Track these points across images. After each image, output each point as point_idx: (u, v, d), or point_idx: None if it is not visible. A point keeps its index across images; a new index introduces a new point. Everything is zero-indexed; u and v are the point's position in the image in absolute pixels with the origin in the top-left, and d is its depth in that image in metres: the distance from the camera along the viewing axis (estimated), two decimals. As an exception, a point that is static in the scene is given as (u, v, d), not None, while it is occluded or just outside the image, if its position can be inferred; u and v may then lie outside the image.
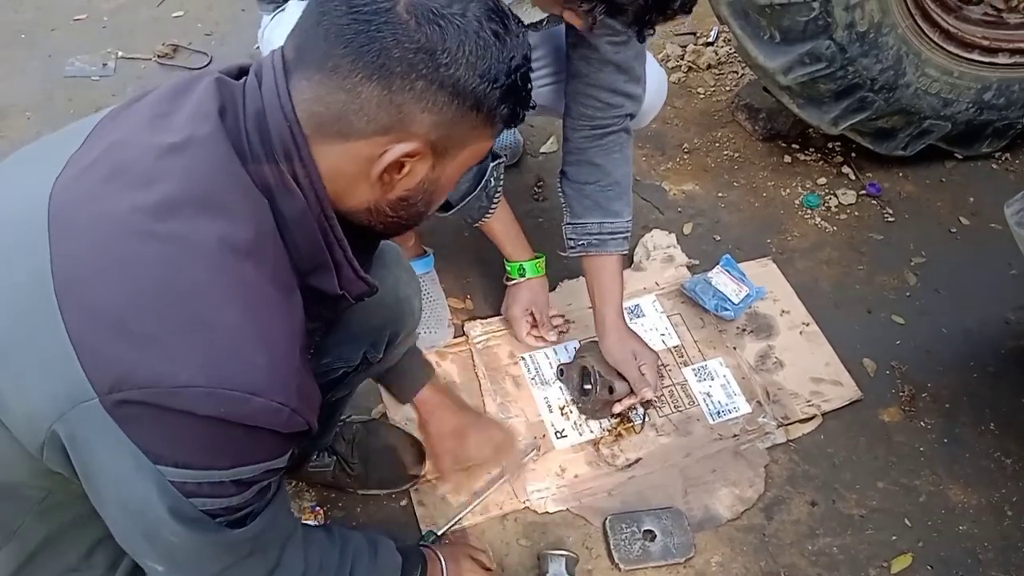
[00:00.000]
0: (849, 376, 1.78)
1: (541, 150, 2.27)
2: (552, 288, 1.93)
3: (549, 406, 1.72)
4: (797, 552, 1.54)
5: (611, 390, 1.62)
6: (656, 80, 1.67)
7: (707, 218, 2.12)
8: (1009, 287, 1.99)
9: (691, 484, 1.61)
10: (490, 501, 1.57)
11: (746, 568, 1.51)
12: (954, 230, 2.12)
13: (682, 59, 2.58)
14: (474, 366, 1.77)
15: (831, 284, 1.98)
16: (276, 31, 1.54)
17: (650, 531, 1.52)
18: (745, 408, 1.72)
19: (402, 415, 1.68)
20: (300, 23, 0.83)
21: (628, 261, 1.99)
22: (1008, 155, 2.31)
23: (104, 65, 2.53)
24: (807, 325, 1.87)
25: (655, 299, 1.91)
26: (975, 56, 2.03)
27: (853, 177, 2.24)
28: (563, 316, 1.87)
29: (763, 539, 1.55)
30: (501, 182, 1.67)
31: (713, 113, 2.43)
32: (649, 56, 1.61)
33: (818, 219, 2.13)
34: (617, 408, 1.65)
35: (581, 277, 1.93)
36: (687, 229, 2.09)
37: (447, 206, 1.61)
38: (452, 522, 1.53)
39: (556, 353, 1.80)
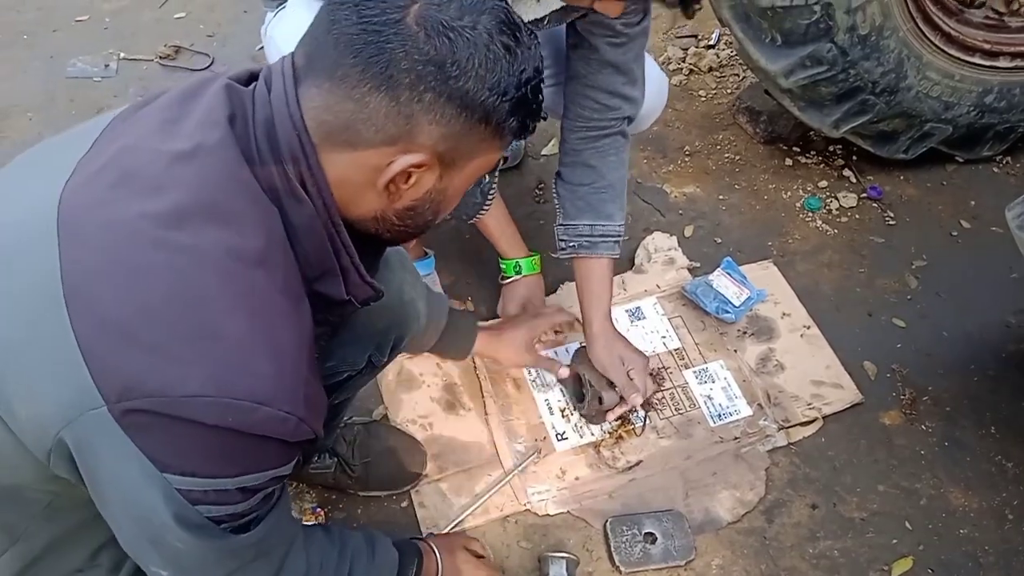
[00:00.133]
0: (850, 379, 1.78)
1: (543, 152, 2.27)
2: (553, 290, 1.93)
3: (550, 408, 1.72)
4: (798, 555, 1.54)
5: (600, 400, 1.62)
6: (656, 83, 1.67)
7: (708, 221, 2.13)
8: (1010, 291, 1.99)
9: (692, 487, 1.61)
10: (491, 503, 1.57)
11: (746, 571, 1.51)
12: (955, 233, 2.12)
13: (683, 62, 2.59)
14: (475, 368, 1.77)
15: (832, 287, 1.98)
16: (278, 28, 1.54)
17: (651, 533, 1.52)
18: (746, 411, 1.72)
19: (403, 417, 1.69)
20: (311, 30, 0.83)
21: (629, 263, 1.99)
22: (1009, 159, 2.31)
23: (106, 66, 2.54)
24: (808, 328, 1.87)
25: (656, 301, 1.91)
26: (976, 59, 2.03)
27: (854, 180, 2.24)
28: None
29: (764, 542, 1.55)
30: (496, 179, 1.67)
31: (714, 116, 2.43)
32: (650, 59, 1.62)
33: (819, 222, 2.13)
34: (610, 416, 1.65)
35: (582, 279, 1.94)
36: (688, 231, 2.09)
37: None
38: (452, 523, 1.53)
39: (557, 355, 1.80)
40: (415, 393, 1.73)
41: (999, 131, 2.18)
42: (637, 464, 1.64)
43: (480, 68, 0.79)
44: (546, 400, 1.73)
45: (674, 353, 1.82)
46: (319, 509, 1.56)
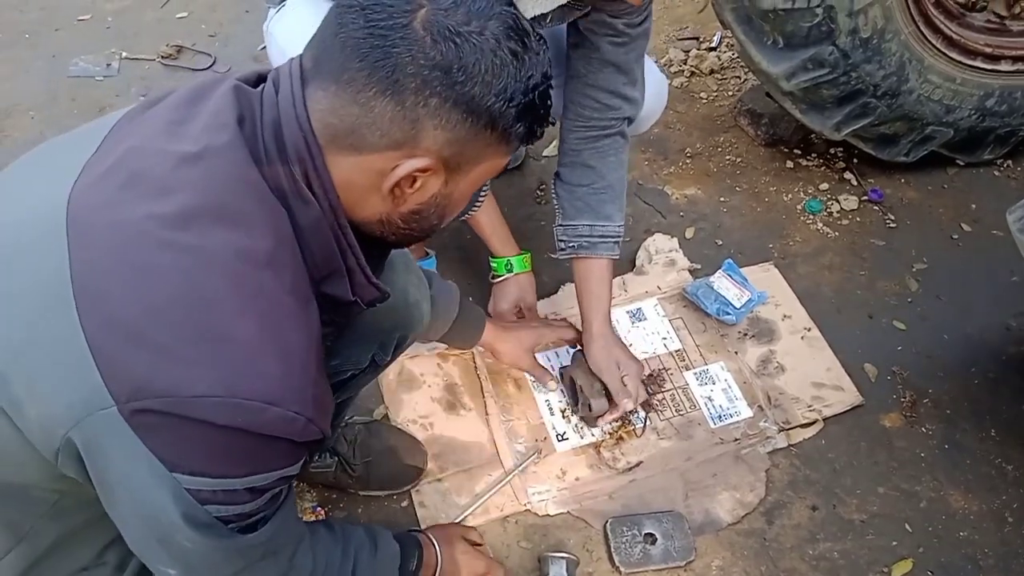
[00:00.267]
0: (850, 381, 1.78)
1: (544, 154, 2.27)
2: (554, 291, 1.93)
3: (551, 409, 1.72)
4: (797, 556, 1.54)
5: (589, 408, 1.62)
6: (656, 85, 1.67)
7: (709, 222, 2.13)
8: (1010, 294, 1.99)
9: (692, 488, 1.61)
10: (491, 503, 1.57)
11: (746, 572, 1.51)
12: (956, 236, 2.13)
13: (685, 64, 2.59)
14: (476, 368, 1.77)
15: (833, 289, 1.98)
16: (279, 25, 1.54)
17: (651, 534, 1.52)
18: (746, 412, 1.72)
19: (403, 416, 1.69)
20: (319, 33, 0.83)
21: (630, 265, 1.99)
22: (1010, 162, 2.31)
23: (108, 65, 2.54)
24: (808, 330, 1.87)
25: (657, 303, 1.91)
26: (978, 63, 2.04)
27: (855, 183, 2.24)
28: (564, 319, 1.87)
29: (764, 543, 1.55)
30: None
31: (715, 118, 2.43)
32: (651, 61, 1.62)
33: (820, 224, 2.13)
34: (602, 423, 1.65)
35: (583, 280, 1.94)
36: (689, 233, 2.09)
37: None
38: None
39: (558, 356, 1.80)
40: (416, 393, 1.73)
41: (1000, 135, 2.18)
42: (637, 465, 1.64)
43: (486, 73, 0.79)
44: (547, 401, 1.73)
45: (675, 354, 1.83)
46: (319, 508, 1.56)
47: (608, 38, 1.45)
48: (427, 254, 1.91)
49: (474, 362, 1.78)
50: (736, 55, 2.58)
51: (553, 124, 0.92)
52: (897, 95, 2.00)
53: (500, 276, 1.79)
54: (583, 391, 1.63)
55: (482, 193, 1.68)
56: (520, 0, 1.24)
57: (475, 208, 1.69)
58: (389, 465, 1.57)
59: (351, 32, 0.79)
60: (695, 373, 1.79)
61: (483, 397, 1.73)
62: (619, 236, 1.62)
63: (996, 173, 2.30)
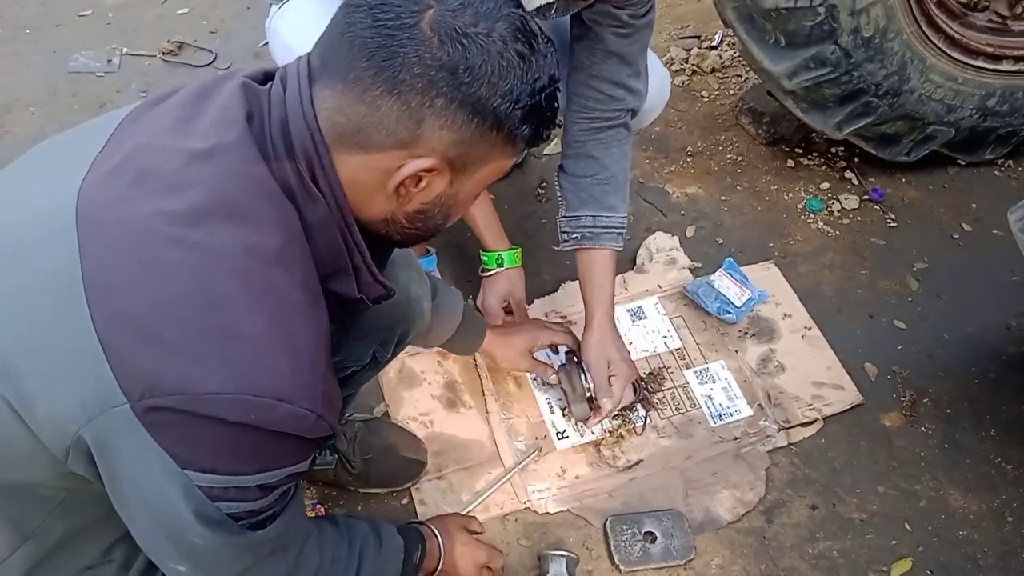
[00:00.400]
0: (850, 380, 1.78)
1: (545, 152, 2.27)
2: (554, 289, 1.93)
3: (551, 407, 1.72)
4: (797, 555, 1.54)
5: (571, 413, 1.63)
6: (659, 80, 1.67)
7: (710, 221, 2.13)
8: (1011, 293, 1.99)
9: (692, 486, 1.61)
10: (491, 501, 1.57)
11: (746, 571, 1.51)
12: (956, 236, 2.13)
13: (686, 62, 2.59)
14: (476, 366, 1.77)
15: (833, 288, 1.98)
16: (282, 20, 1.54)
17: (651, 533, 1.52)
18: (746, 411, 1.72)
19: (403, 414, 1.69)
20: (327, 32, 0.84)
21: (631, 263, 1.99)
22: (1011, 162, 2.31)
23: (109, 61, 2.54)
24: (809, 329, 1.87)
25: (657, 301, 1.91)
26: (979, 63, 2.03)
27: (856, 182, 2.24)
28: (564, 316, 1.87)
29: (763, 542, 1.55)
30: None
31: (717, 117, 2.43)
32: (653, 56, 1.62)
33: (821, 223, 2.13)
34: (588, 426, 1.65)
35: (583, 278, 1.94)
36: (690, 232, 2.09)
37: None
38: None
39: (558, 354, 1.80)
40: (416, 390, 1.73)
41: (1001, 134, 2.18)
42: (637, 463, 1.64)
43: (493, 75, 0.79)
44: (547, 399, 1.73)
45: (675, 353, 1.83)
46: (319, 506, 1.56)
47: (612, 29, 1.45)
48: (428, 252, 1.91)
49: (474, 360, 1.78)
50: (738, 54, 2.58)
51: (559, 126, 0.92)
52: (899, 94, 2.00)
53: (490, 270, 1.79)
54: (566, 395, 1.63)
55: None
56: None
57: None
58: (389, 463, 1.57)
59: (358, 31, 0.79)
60: (695, 372, 1.79)
61: (483, 395, 1.73)
62: (623, 227, 1.62)
63: (997, 173, 2.30)
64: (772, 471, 1.64)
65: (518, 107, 0.81)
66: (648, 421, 1.69)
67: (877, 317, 1.93)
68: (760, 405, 1.73)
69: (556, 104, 0.86)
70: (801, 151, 2.32)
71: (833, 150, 2.32)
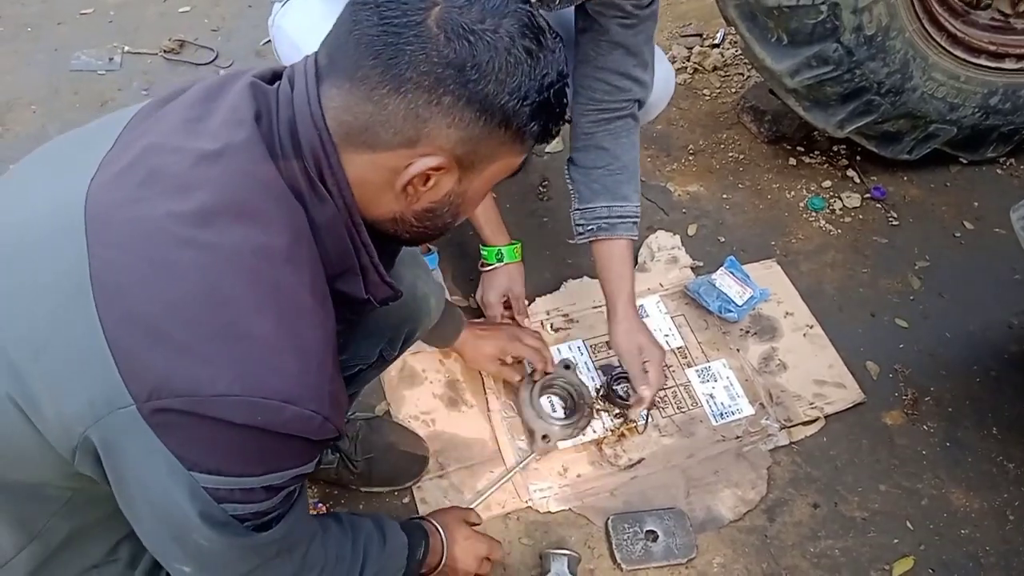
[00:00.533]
0: (852, 379, 1.78)
1: (547, 150, 2.26)
2: (556, 288, 1.93)
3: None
4: (799, 554, 1.54)
5: (545, 438, 1.60)
6: (664, 73, 1.67)
7: (711, 220, 2.13)
8: (1012, 292, 1.99)
9: (693, 485, 1.61)
10: (492, 500, 1.57)
11: (748, 569, 1.51)
12: (958, 234, 2.13)
13: (688, 60, 2.59)
14: (478, 364, 1.77)
15: (835, 287, 1.98)
16: (288, 18, 1.54)
17: (652, 531, 1.52)
18: (748, 410, 1.72)
19: (405, 413, 1.69)
20: (334, 30, 0.83)
21: (633, 261, 1.99)
22: (1013, 160, 2.31)
23: (110, 59, 2.53)
24: (811, 327, 1.87)
25: (659, 300, 1.91)
26: (982, 61, 2.03)
27: (858, 180, 2.24)
28: (566, 315, 1.87)
29: (765, 540, 1.55)
30: None
31: (718, 115, 2.43)
32: (658, 50, 1.62)
33: (822, 222, 2.13)
34: (632, 414, 1.65)
35: (585, 277, 1.94)
36: (691, 230, 2.09)
37: None
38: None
39: (560, 352, 1.80)
40: (417, 389, 1.73)
41: (1003, 133, 2.18)
42: (639, 462, 1.64)
43: (500, 72, 0.78)
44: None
45: (677, 351, 1.82)
46: (321, 504, 1.56)
47: (617, 20, 1.45)
48: (429, 250, 1.91)
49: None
50: (740, 52, 2.57)
51: (569, 122, 0.91)
52: (901, 92, 1.99)
53: (490, 265, 1.79)
54: (536, 419, 1.62)
55: None
56: None
57: None
58: (391, 461, 1.57)
59: (365, 30, 0.78)
60: (697, 370, 1.79)
61: (485, 394, 1.73)
62: (637, 217, 1.62)
63: (999, 171, 2.30)
64: (774, 470, 1.64)
65: (526, 104, 0.81)
66: (650, 420, 1.69)
67: (879, 315, 1.93)
68: (762, 404, 1.73)
69: (565, 100, 0.85)
70: (803, 149, 2.32)
71: (835, 148, 2.32)
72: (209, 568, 0.87)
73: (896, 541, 1.56)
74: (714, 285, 1.87)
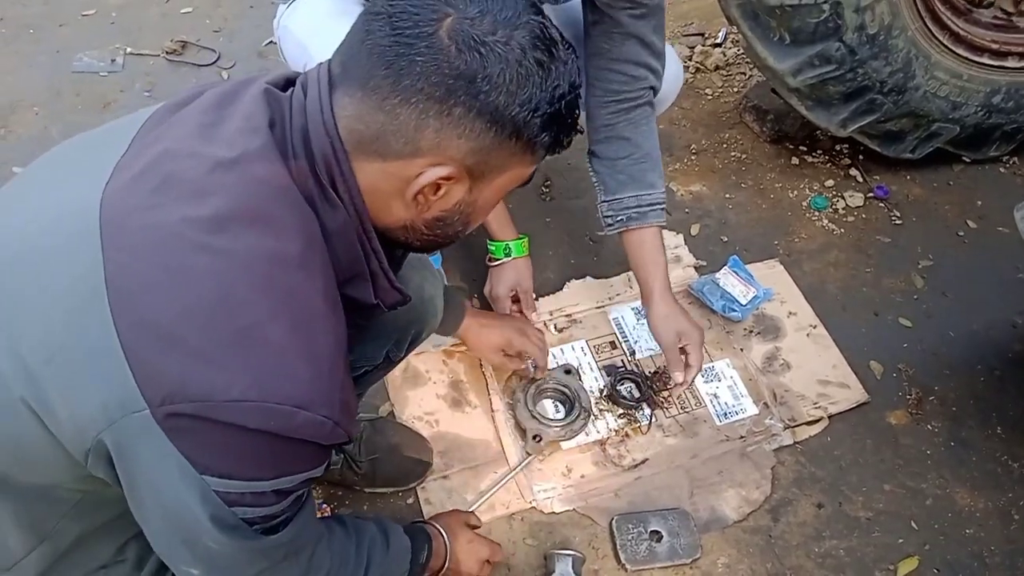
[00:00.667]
0: (856, 378, 1.78)
1: (548, 150, 2.26)
2: (559, 288, 1.93)
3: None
4: (803, 554, 1.54)
5: (538, 438, 1.60)
6: (673, 66, 1.67)
7: (714, 219, 2.12)
8: (1016, 291, 1.99)
9: (698, 485, 1.61)
10: (496, 500, 1.57)
11: (752, 569, 1.51)
12: (961, 233, 2.12)
13: (690, 60, 2.58)
14: (481, 364, 1.77)
15: (838, 286, 1.98)
16: (294, 19, 1.54)
17: (656, 532, 1.52)
18: (752, 410, 1.72)
19: (409, 413, 1.69)
20: (347, 39, 0.84)
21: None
22: (1016, 159, 2.31)
23: (112, 61, 2.53)
24: (814, 327, 1.87)
25: (662, 300, 1.91)
26: (984, 60, 2.03)
27: (860, 179, 2.24)
28: (569, 315, 1.87)
29: (769, 540, 1.55)
30: None
31: (721, 114, 2.43)
32: (668, 45, 1.62)
33: (825, 221, 2.13)
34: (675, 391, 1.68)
35: (588, 277, 1.94)
36: (694, 230, 2.09)
37: None
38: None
39: (563, 353, 1.80)
40: (421, 390, 1.73)
41: (1006, 131, 2.18)
42: (643, 462, 1.64)
43: (511, 83, 0.78)
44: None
45: (680, 351, 1.82)
46: (325, 505, 1.56)
47: (626, 11, 1.46)
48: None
49: (479, 359, 1.77)
50: (742, 51, 2.57)
51: (581, 132, 0.91)
52: (903, 91, 1.99)
53: (498, 260, 1.79)
54: (533, 417, 1.63)
55: None
56: None
57: None
58: (395, 462, 1.57)
59: (377, 40, 0.79)
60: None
61: (488, 394, 1.73)
62: (664, 203, 1.62)
63: (1002, 170, 2.30)
64: (778, 470, 1.64)
65: (537, 115, 0.81)
66: (653, 420, 1.69)
67: (882, 315, 1.93)
68: (766, 403, 1.73)
69: (577, 111, 0.86)
70: (805, 148, 2.32)
71: (838, 147, 2.32)
72: (217, 570, 0.87)
73: (901, 541, 1.56)
74: (718, 284, 1.87)
